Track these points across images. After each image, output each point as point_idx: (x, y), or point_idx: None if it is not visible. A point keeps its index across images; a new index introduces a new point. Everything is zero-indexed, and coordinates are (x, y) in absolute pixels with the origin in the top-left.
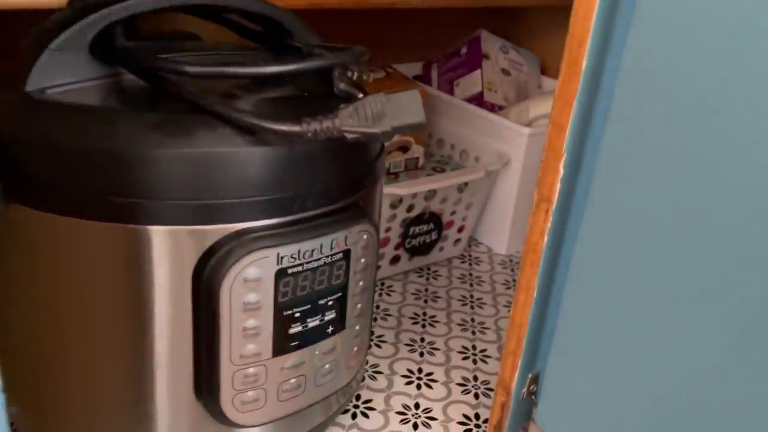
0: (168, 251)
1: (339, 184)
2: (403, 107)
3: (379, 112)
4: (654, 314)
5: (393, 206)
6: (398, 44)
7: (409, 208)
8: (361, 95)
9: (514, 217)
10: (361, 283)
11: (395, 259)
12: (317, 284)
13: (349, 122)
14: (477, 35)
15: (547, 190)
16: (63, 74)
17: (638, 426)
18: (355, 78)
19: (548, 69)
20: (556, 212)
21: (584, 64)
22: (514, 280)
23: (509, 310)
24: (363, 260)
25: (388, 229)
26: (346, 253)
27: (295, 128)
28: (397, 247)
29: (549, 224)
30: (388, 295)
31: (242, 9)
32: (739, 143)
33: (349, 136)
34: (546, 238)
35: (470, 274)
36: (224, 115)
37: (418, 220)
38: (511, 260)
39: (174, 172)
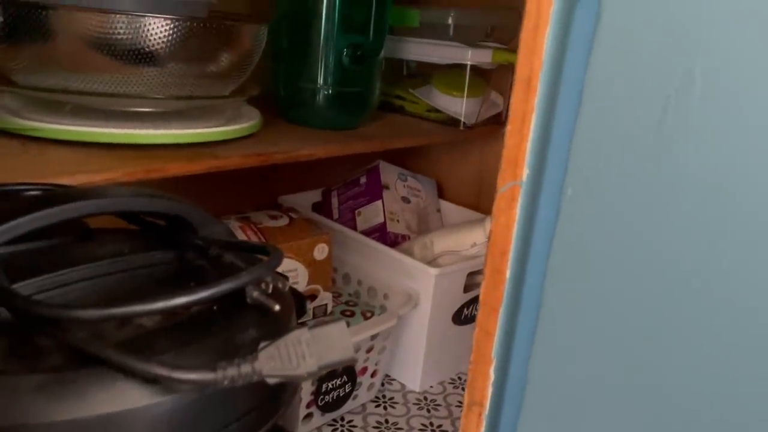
0: None
1: (257, 412)
2: (329, 343)
3: (304, 352)
4: None
5: None
6: (293, 173)
7: None
8: (277, 306)
9: (426, 353)
10: None
11: (308, 417)
12: None
13: (270, 365)
14: (375, 165)
15: (479, 395)
16: None
17: None
18: (270, 290)
19: (445, 192)
20: (489, 416)
21: (508, 273)
22: (431, 424)
23: None
24: None
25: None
26: None
27: (209, 377)
28: (309, 405)
29: (482, 429)
30: None
31: (140, 211)
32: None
33: (270, 381)
34: None
35: (386, 421)
36: (126, 366)
37: (331, 375)
38: (425, 398)
39: None
